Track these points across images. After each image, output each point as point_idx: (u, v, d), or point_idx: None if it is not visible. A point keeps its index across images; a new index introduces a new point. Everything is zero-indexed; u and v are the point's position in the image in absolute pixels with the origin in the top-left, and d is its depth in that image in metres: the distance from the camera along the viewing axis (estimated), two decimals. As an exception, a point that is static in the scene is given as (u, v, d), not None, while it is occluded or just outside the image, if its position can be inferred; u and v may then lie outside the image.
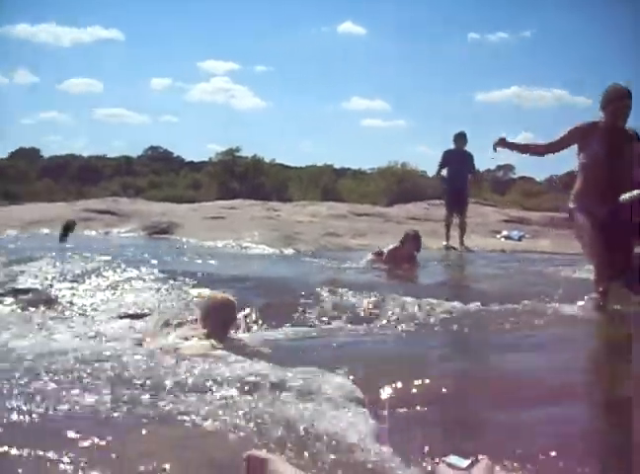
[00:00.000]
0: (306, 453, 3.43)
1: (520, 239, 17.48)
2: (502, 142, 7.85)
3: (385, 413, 4.06)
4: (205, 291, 6.97)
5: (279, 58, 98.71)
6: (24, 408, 3.95)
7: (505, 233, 18.06)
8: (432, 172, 15.36)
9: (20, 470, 3.19)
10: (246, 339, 5.93)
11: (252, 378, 4.50)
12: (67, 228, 13.51)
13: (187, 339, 5.55)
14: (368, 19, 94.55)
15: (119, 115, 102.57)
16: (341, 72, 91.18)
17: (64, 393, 4.22)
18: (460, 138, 14.54)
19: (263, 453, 2.99)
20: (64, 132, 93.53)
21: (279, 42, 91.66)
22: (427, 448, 3.52)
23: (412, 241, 11.04)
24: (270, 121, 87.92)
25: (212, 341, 5.40)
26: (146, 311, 7.40)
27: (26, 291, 8.01)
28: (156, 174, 52.11)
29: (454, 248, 14.53)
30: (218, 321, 5.74)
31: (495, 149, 7.88)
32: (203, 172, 47.53)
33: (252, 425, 3.73)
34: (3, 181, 44.18)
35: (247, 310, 7.05)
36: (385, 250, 10.96)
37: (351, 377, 4.59)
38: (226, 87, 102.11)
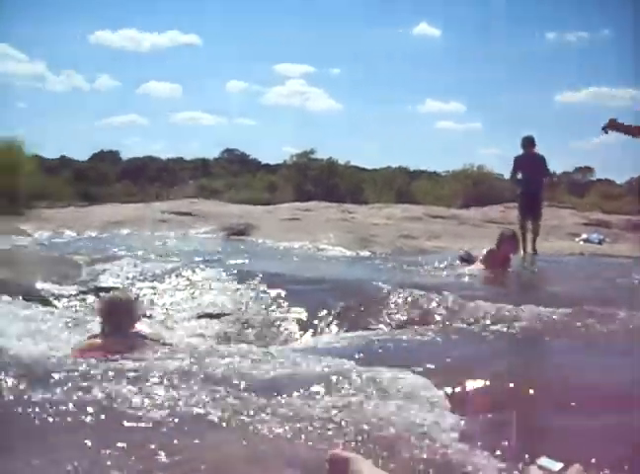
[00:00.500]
0: (388, 453, 3.42)
1: (600, 242, 17.03)
2: (612, 123, 7.63)
3: (468, 413, 4.02)
4: (117, 292, 6.71)
5: (354, 60, 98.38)
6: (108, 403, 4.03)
7: (584, 236, 17.61)
8: (507, 175, 15.03)
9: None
10: (152, 336, 5.87)
11: (334, 377, 4.50)
12: None
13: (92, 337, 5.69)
14: (444, 20, 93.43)
15: (196, 117, 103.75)
16: (415, 74, 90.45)
17: (144, 391, 4.29)
18: (528, 142, 14.21)
19: (345, 452, 2.98)
20: (143, 135, 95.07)
21: (354, 45, 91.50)
22: (513, 450, 3.47)
23: (508, 242, 10.41)
24: (344, 124, 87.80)
25: (104, 339, 5.47)
26: (224, 311, 7.50)
27: (107, 290, 8.18)
28: (232, 176, 52.56)
29: (534, 251, 14.21)
30: (113, 319, 5.66)
31: (606, 131, 7.68)
32: (279, 174, 47.71)
33: (334, 424, 3.74)
34: (84, 182, 45.19)
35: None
36: (483, 251, 10.49)
37: (431, 378, 4.56)
38: (301, 90, 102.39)
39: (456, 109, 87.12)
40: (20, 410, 3.90)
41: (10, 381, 4.30)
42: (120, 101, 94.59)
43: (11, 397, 4.10)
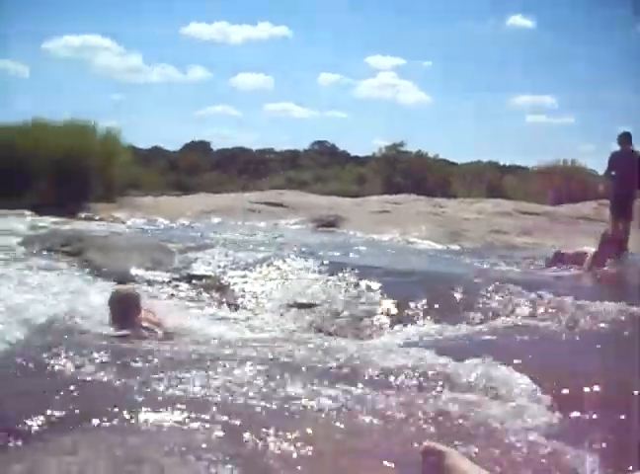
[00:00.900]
0: (483, 447, 3.36)
1: None
2: None
3: (572, 412, 3.92)
4: (123, 287, 7.06)
5: (445, 53, 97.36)
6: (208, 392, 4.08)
7: None
8: (601, 170, 14.52)
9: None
10: (156, 329, 6.16)
11: (431, 371, 4.46)
12: None
13: None
14: (538, 12, 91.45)
15: (287, 109, 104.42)
16: (507, 67, 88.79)
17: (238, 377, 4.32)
18: (625, 139, 13.71)
19: (440, 446, 2.94)
20: (234, 126, 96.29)
21: (445, 37, 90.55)
22: (619, 453, 3.36)
23: (611, 242, 10.15)
24: (434, 117, 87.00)
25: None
26: (315, 302, 7.51)
27: (200, 278, 8.30)
28: (322, 168, 52.69)
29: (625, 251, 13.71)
30: (118, 312, 6.16)
31: None
32: (368, 166, 47.62)
33: (429, 417, 3.70)
34: (176, 172, 46.08)
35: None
36: (580, 249, 10.14)
37: (529, 373, 4.46)
38: (392, 82, 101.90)
39: (549, 102, 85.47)
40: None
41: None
42: (211, 92, 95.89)
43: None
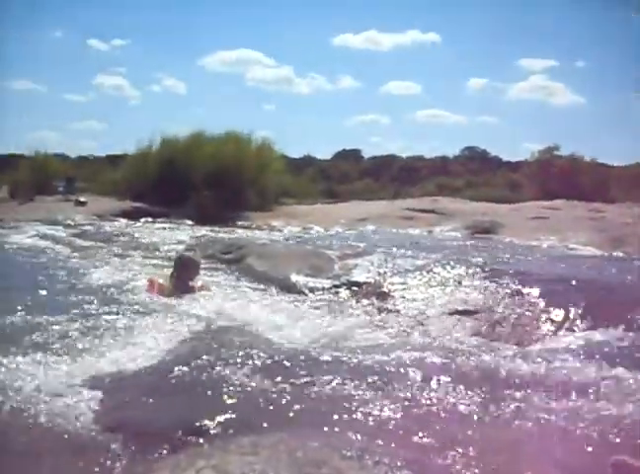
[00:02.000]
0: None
1: None
2: None
3: None
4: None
5: (599, 52, 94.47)
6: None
7: None
8: None
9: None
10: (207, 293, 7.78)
11: (606, 381, 4.33)
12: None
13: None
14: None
15: (436, 115, 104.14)
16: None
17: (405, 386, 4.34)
18: None
19: (631, 459, 2.84)
20: (384, 134, 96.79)
21: (601, 34, 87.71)
22: None
23: None
24: (589, 119, 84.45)
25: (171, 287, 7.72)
26: (476, 309, 7.42)
27: (359, 284, 8.36)
28: (472, 174, 52.14)
29: None
30: (181, 274, 7.91)
31: None
32: (520, 172, 46.70)
33: (618, 429, 3.58)
34: (327, 180, 46.71)
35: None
36: None
37: None
38: (544, 85, 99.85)
39: None
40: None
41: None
42: (361, 101, 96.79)
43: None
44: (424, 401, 4.08)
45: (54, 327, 5.94)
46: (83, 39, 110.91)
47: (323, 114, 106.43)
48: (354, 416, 3.81)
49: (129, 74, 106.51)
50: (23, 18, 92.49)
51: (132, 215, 20.94)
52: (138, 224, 18.43)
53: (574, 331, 6.79)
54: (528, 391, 4.27)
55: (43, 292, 7.86)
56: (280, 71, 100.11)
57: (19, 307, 6.70)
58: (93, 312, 6.64)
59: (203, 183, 23.36)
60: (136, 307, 6.89)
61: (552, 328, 6.94)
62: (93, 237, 14.58)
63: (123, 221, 19.26)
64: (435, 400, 4.09)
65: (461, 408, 4.00)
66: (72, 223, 17.99)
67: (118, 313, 6.59)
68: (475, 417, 3.87)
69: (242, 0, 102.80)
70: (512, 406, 4.01)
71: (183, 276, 7.87)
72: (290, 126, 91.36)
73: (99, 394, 4.29)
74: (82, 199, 23.92)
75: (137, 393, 4.37)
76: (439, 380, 4.42)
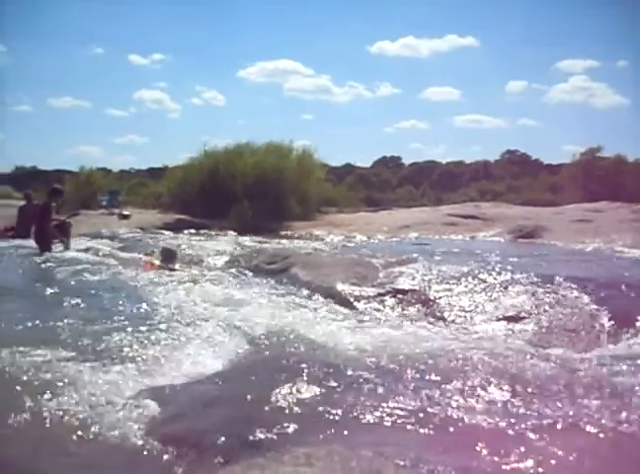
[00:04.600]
0: None
1: None
2: None
3: None
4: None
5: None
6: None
7: None
8: None
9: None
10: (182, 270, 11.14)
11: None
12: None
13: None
14: None
15: (476, 120, 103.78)
16: None
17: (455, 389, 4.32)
18: None
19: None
20: (424, 140, 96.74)
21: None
22: None
23: None
24: (632, 119, 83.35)
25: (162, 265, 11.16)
26: (524, 314, 7.36)
27: (405, 292, 8.34)
28: (514, 178, 51.78)
29: None
30: (165, 259, 11.34)
31: None
32: (562, 174, 46.30)
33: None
34: (368, 188, 46.71)
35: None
36: None
37: None
38: (585, 86, 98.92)
39: None
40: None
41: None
42: (400, 107, 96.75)
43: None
44: (478, 409, 4.06)
45: (110, 337, 6.03)
46: (124, 55, 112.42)
47: (362, 121, 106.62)
48: (407, 425, 3.80)
49: (169, 88, 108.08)
50: (65, 36, 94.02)
51: (175, 227, 21.16)
52: (182, 236, 18.59)
53: (627, 336, 6.71)
54: (592, 398, 4.22)
55: (96, 302, 7.97)
56: (318, 80, 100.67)
57: (74, 316, 6.83)
58: (146, 322, 6.72)
59: (246, 193, 23.54)
60: (188, 319, 6.96)
61: (604, 334, 6.87)
62: (137, 249, 14.74)
63: (167, 233, 19.43)
64: (492, 408, 4.07)
65: (519, 416, 3.96)
66: (117, 236, 18.19)
67: (169, 322, 6.69)
68: (532, 424, 3.83)
69: (279, 11, 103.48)
70: (572, 412, 3.97)
71: (166, 261, 11.24)
72: (330, 135, 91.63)
73: (153, 405, 4.34)
74: (125, 213, 24.26)
75: (192, 404, 4.41)
76: (494, 388, 4.39)
